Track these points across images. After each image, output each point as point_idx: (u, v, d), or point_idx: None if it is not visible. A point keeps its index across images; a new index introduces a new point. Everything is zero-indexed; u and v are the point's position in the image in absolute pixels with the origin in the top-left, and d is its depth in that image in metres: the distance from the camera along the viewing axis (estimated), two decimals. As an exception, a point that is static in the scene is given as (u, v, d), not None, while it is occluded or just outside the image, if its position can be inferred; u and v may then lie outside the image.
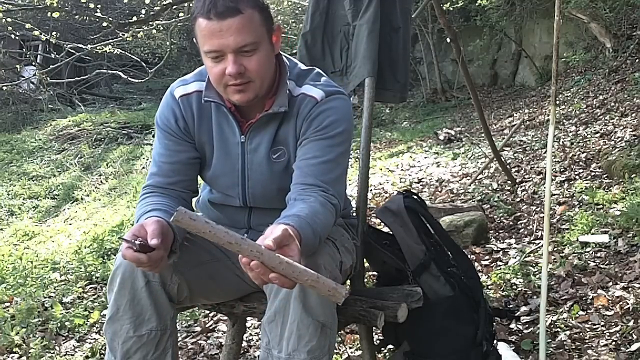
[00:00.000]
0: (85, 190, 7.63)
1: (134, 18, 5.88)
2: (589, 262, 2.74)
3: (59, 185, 7.89)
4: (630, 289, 2.38)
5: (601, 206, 3.44)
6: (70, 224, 6.21)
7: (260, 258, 1.06)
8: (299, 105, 1.46)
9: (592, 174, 4.22)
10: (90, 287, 3.49)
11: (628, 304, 2.25)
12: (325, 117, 1.44)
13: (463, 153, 6.39)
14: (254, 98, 1.41)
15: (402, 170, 6.20)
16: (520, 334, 2.22)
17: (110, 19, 5.74)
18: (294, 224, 1.21)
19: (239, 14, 1.30)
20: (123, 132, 9.92)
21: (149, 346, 1.39)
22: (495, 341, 1.94)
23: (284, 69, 1.48)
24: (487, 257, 3.13)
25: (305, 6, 3.04)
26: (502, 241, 3.35)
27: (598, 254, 2.81)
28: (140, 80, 6.92)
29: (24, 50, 11.03)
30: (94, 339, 2.80)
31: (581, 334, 2.14)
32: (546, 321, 2.11)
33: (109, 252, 4.08)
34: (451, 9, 9.25)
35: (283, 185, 1.47)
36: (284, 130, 1.49)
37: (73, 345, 2.74)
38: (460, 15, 10.82)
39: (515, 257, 3.02)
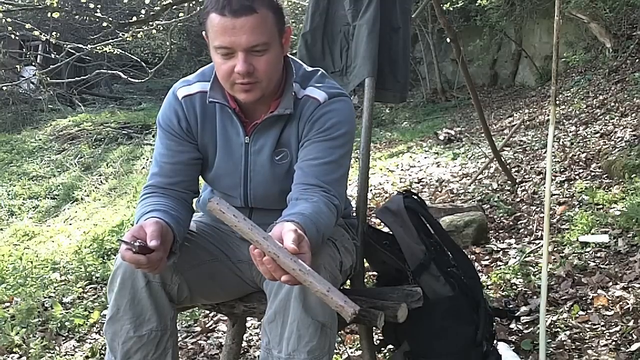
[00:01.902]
0: (85, 190, 7.63)
1: (134, 18, 5.87)
2: (589, 262, 2.74)
3: (59, 185, 7.90)
4: (630, 289, 2.38)
5: (601, 206, 3.44)
6: (70, 224, 6.21)
7: (277, 260, 1.08)
8: (302, 107, 1.46)
9: (592, 174, 4.22)
10: (90, 287, 3.49)
11: (628, 304, 2.25)
12: (327, 119, 1.44)
13: (463, 153, 6.39)
14: (260, 98, 1.41)
15: (402, 170, 6.20)
16: (520, 334, 2.22)
17: (110, 19, 5.73)
18: (298, 221, 1.21)
19: (254, 13, 1.30)
20: (123, 132, 9.92)
21: (149, 346, 1.39)
22: (495, 341, 1.94)
23: (291, 70, 1.48)
24: (487, 257, 3.13)
25: (305, 6, 3.04)
26: (502, 241, 3.35)
27: (598, 254, 2.81)
28: (140, 81, 6.91)
29: (24, 50, 11.03)
30: (94, 339, 2.80)
31: (581, 334, 2.14)
32: (546, 321, 2.11)
33: (109, 252, 4.08)
34: (451, 9, 9.25)
35: (285, 187, 1.47)
36: (287, 132, 1.48)
37: (73, 345, 2.74)
38: (460, 15, 10.81)
39: (515, 257, 3.02)
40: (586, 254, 2.84)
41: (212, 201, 1.10)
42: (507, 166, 4.62)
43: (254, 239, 1.08)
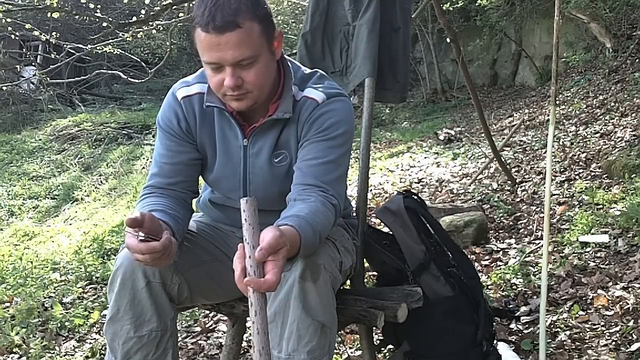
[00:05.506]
0: (85, 191, 7.63)
1: (134, 18, 5.87)
2: (589, 262, 2.74)
3: (59, 185, 7.90)
4: (630, 289, 2.38)
5: (601, 206, 3.44)
6: (70, 224, 6.21)
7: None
8: (300, 109, 1.46)
9: (592, 174, 4.23)
10: (90, 287, 3.49)
11: (628, 304, 2.25)
12: (326, 119, 1.44)
13: (463, 153, 6.39)
14: (252, 105, 1.40)
15: (402, 170, 6.20)
16: (520, 334, 2.22)
17: (110, 19, 5.73)
18: (293, 223, 1.21)
19: (237, 28, 1.28)
20: (123, 132, 9.93)
21: (150, 346, 1.39)
22: (495, 341, 1.94)
23: (289, 73, 1.47)
24: (487, 257, 3.13)
25: (305, 6, 3.04)
26: (502, 241, 3.35)
27: (598, 254, 2.81)
28: (140, 81, 6.92)
29: (24, 50, 11.06)
30: (94, 339, 2.80)
31: (581, 334, 2.14)
32: (546, 321, 2.11)
33: (109, 252, 4.08)
34: (451, 9, 9.25)
35: (284, 189, 1.47)
36: (286, 134, 1.48)
37: (73, 346, 2.74)
38: (460, 15, 10.82)
39: (515, 257, 3.02)
40: (586, 254, 2.84)
41: (250, 199, 1.10)
42: (507, 166, 4.63)
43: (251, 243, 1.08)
